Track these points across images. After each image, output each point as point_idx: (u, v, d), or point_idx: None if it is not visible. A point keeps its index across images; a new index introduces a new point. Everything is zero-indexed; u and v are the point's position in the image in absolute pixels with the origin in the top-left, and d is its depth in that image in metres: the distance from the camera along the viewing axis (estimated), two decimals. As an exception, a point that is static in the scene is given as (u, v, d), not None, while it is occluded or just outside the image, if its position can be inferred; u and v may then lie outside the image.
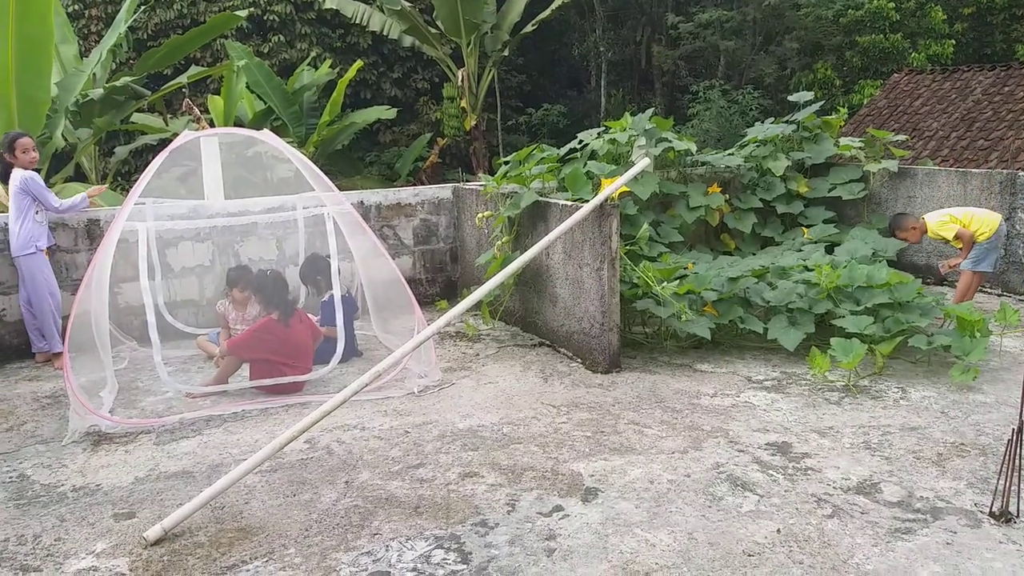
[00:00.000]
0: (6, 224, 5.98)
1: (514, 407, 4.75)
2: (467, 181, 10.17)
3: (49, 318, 5.80)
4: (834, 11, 19.67)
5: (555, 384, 5.15)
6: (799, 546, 3.14)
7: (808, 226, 7.35)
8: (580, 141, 7.15)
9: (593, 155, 6.94)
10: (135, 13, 11.96)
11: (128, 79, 10.78)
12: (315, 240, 6.61)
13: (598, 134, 7.08)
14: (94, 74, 11.23)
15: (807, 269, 5.81)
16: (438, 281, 7.58)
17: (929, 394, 4.74)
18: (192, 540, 3.33)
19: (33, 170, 5.84)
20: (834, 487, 3.62)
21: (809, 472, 3.77)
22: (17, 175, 5.73)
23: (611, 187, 5.31)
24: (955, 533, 3.20)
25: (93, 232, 6.27)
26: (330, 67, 18.13)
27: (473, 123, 18.03)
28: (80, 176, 12.95)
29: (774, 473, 3.77)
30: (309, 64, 18.44)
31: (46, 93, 9.13)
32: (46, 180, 5.92)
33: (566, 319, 5.70)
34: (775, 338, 5.36)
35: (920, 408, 4.54)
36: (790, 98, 8.39)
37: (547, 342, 6.03)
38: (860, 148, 7.69)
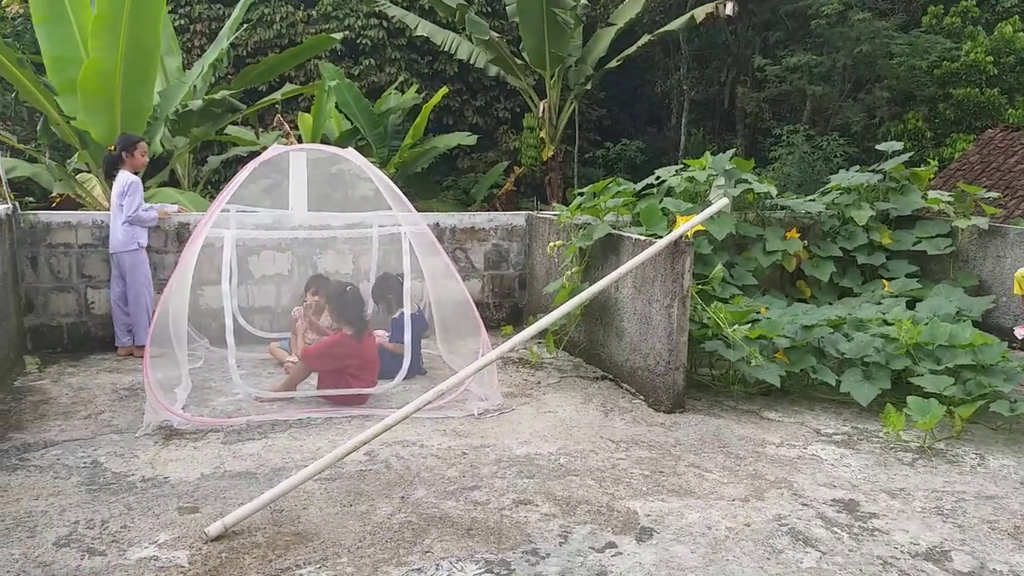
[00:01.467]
0: (103, 221, 6.31)
1: (572, 438, 4.72)
2: (541, 210, 10.22)
3: (144, 313, 6.09)
4: (929, 62, 19.15)
5: (616, 419, 5.10)
6: (860, 608, 3.02)
7: (889, 279, 7.12)
8: (657, 177, 7.11)
9: (670, 192, 6.90)
10: (237, 31, 12.52)
11: (226, 93, 11.25)
12: (389, 258, 6.75)
13: (676, 171, 7.04)
14: (195, 86, 11.76)
15: (886, 323, 5.62)
16: (505, 306, 7.63)
17: (1008, 463, 4.51)
18: (250, 540, 3.41)
19: (136, 175, 6.19)
20: (901, 551, 3.47)
21: (876, 533, 3.63)
22: (124, 177, 6.08)
23: (687, 225, 5.27)
24: (1031, 612, 3.03)
25: (183, 235, 6.55)
26: (416, 92, 18.57)
27: (550, 154, 18.14)
28: (174, 182, 13.53)
29: (839, 531, 3.64)
30: (396, 88, 18.94)
31: (149, 101, 9.61)
32: (142, 183, 6.28)
33: (631, 354, 5.66)
34: (848, 391, 5.20)
35: (998, 476, 4.32)
36: (878, 147, 8.17)
37: (610, 376, 5.98)
38: (949, 203, 7.42)
